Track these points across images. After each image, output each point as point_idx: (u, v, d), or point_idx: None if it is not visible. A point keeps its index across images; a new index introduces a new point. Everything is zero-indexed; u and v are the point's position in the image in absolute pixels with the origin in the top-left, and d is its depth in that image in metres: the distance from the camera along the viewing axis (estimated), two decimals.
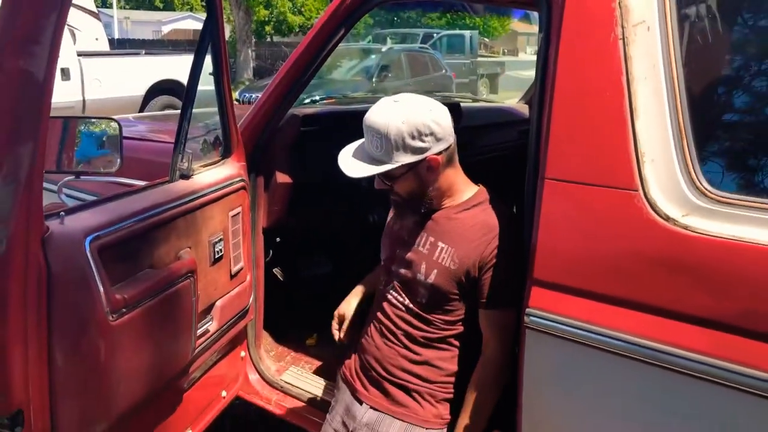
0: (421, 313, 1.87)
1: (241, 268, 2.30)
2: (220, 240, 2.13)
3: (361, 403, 1.95)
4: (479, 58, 19.59)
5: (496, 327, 1.81)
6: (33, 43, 1.31)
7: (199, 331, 2.03)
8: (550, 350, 1.66)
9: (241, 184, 2.27)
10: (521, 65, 21.47)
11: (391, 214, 2.02)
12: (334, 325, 2.11)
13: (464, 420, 1.83)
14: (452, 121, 2.78)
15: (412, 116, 1.69)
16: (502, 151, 3.43)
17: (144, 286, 1.68)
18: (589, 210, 1.59)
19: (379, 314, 1.96)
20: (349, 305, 2.12)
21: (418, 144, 1.70)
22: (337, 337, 2.09)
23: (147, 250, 1.76)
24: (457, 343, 1.89)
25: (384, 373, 1.92)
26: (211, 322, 2.13)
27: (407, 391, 1.90)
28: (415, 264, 1.85)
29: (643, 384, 1.53)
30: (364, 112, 1.78)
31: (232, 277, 2.24)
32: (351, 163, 1.75)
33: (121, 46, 19.97)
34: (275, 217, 2.50)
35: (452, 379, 1.91)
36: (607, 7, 1.57)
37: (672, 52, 1.52)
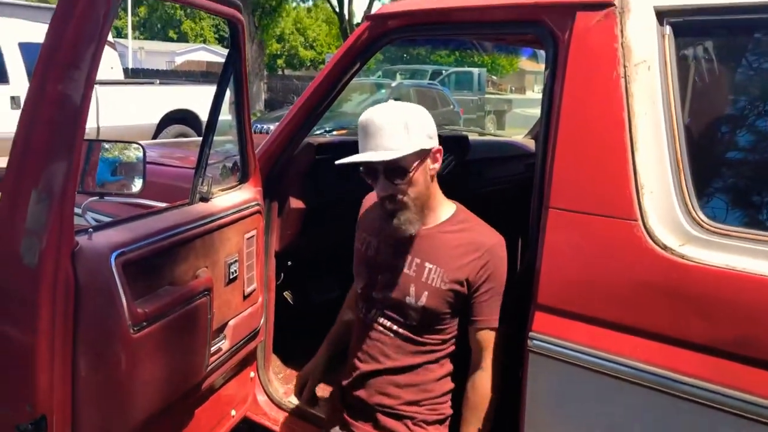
0: (412, 336, 1.86)
1: (254, 290, 2.37)
2: (235, 261, 2.21)
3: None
4: (487, 95, 19.82)
5: (488, 346, 1.82)
6: (73, 69, 1.41)
7: (213, 349, 2.09)
8: (553, 374, 1.72)
9: (257, 208, 2.36)
10: (528, 103, 21.69)
11: (358, 241, 2.01)
12: (295, 389, 2.17)
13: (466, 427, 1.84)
14: (460, 153, 2.88)
15: (417, 109, 1.77)
16: (508, 183, 3.51)
17: (164, 302, 1.76)
18: (590, 238, 1.66)
19: (363, 344, 1.93)
20: (313, 366, 2.18)
21: (429, 131, 1.75)
22: (298, 401, 2.13)
23: (168, 268, 1.84)
24: (448, 362, 1.89)
25: (372, 403, 1.90)
26: (223, 341, 2.19)
27: (398, 417, 1.88)
28: (402, 287, 1.83)
29: (643, 408, 1.59)
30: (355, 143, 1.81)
31: (245, 297, 2.31)
32: (370, 155, 1.70)
33: (136, 75, 20.33)
34: (288, 241, 2.57)
35: (444, 399, 1.92)
36: (610, 47, 1.67)
37: (671, 90, 1.61)
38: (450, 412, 1.94)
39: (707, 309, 1.49)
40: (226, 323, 2.21)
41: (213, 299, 2.00)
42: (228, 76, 2.11)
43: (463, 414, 1.87)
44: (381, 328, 1.90)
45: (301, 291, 2.97)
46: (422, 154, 1.74)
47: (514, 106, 20.50)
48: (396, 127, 1.69)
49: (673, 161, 1.58)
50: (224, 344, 2.19)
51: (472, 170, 3.14)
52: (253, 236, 2.34)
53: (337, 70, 2.29)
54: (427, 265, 1.82)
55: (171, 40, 50.73)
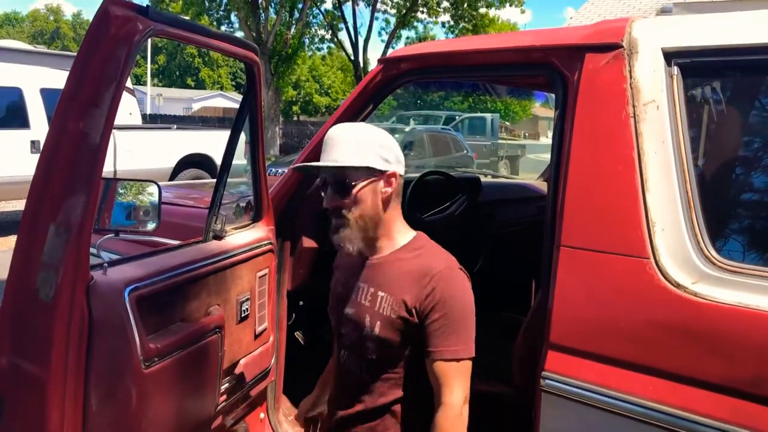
0: (374, 371, 1.77)
1: (265, 329, 2.38)
2: (247, 299, 2.22)
3: None
4: (500, 141, 19.95)
5: (445, 380, 1.67)
6: (94, 107, 1.45)
7: (223, 388, 2.09)
8: (566, 413, 1.70)
9: (270, 246, 2.37)
10: (541, 148, 21.81)
11: (332, 281, 1.97)
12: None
13: None
14: (473, 194, 2.88)
15: (380, 131, 1.76)
16: (521, 225, 3.52)
17: (176, 338, 1.76)
18: (602, 276, 1.66)
19: (338, 387, 1.91)
20: (305, 406, 2.17)
21: (385, 154, 1.71)
22: None
23: (180, 304, 1.85)
24: (415, 399, 1.77)
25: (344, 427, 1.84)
26: (234, 380, 2.19)
27: None
28: (359, 319, 1.77)
29: None
30: None
31: (256, 336, 2.31)
32: (315, 163, 1.76)
33: (153, 121, 20.69)
34: (300, 281, 2.58)
35: None
36: (619, 87, 1.69)
37: (680, 129, 1.63)
38: None
39: (721, 347, 1.48)
40: (237, 362, 2.21)
41: (224, 337, 2.01)
42: (244, 116, 2.15)
43: None
44: (351, 369, 1.84)
45: (312, 331, 2.97)
46: (371, 173, 1.70)
47: (527, 151, 20.60)
48: (347, 142, 1.69)
49: (684, 199, 1.59)
50: (235, 383, 2.19)
51: (484, 211, 3.15)
52: (265, 275, 2.35)
53: (351, 111, 2.33)
54: (380, 293, 1.75)
55: (189, 87, 51.76)
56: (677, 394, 1.52)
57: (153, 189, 2.19)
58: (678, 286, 1.54)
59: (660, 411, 1.54)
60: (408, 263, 1.74)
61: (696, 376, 1.51)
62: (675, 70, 1.66)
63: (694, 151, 1.64)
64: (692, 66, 1.66)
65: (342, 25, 23.01)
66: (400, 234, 1.80)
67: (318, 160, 1.75)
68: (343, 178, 1.70)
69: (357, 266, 1.82)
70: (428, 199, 2.93)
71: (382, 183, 1.72)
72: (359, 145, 1.69)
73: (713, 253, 1.55)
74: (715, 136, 1.74)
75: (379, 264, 1.79)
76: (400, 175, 1.77)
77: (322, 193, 1.78)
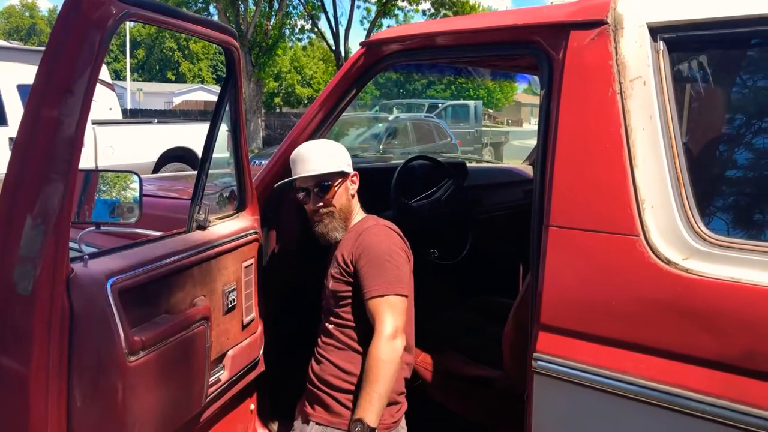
0: (333, 319, 2.13)
1: (253, 319, 2.34)
2: (233, 290, 2.18)
3: (309, 422, 2.12)
4: (484, 128, 19.94)
5: (377, 314, 1.96)
6: (68, 94, 1.41)
7: (211, 380, 2.05)
8: (558, 394, 1.69)
9: (255, 236, 2.34)
10: (525, 135, 21.83)
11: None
12: None
13: (363, 393, 1.91)
14: (459, 179, 2.92)
15: (337, 144, 2.24)
16: (508, 208, 3.51)
17: (161, 330, 1.73)
18: (592, 255, 1.64)
19: (315, 347, 2.21)
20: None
21: (347, 160, 2.19)
22: None
23: (164, 296, 1.81)
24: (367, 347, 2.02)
25: (324, 388, 2.10)
26: (222, 372, 2.16)
27: (340, 402, 2.07)
28: (326, 284, 2.17)
29: (651, 426, 1.55)
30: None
31: (243, 327, 2.28)
32: (305, 174, 2.11)
33: (134, 116, 20.46)
34: (286, 270, 2.55)
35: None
36: (605, 64, 1.67)
37: (667, 104, 1.61)
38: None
39: (712, 323, 1.47)
40: (225, 353, 2.18)
41: (211, 328, 1.97)
42: (224, 103, 2.11)
43: (360, 380, 1.97)
44: (322, 328, 2.19)
45: (301, 321, 2.93)
46: (343, 176, 2.16)
47: (511, 137, 20.60)
48: (322, 154, 2.13)
49: (672, 175, 1.57)
50: (223, 375, 2.16)
51: (471, 196, 3.13)
52: (251, 264, 2.32)
53: (334, 97, 2.30)
54: (335, 260, 2.14)
55: (169, 81, 51.29)
56: (670, 371, 1.51)
57: (134, 180, 2.15)
58: (669, 262, 1.53)
59: (653, 389, 1.53)
60: (353, 232, 2.16)
61: (689, 352, 1.50)
62: (661, 45, 1.64)
63: (681, 126, 1.62)
64: (678, 41, 1.63)
65: (322, 15, 22.86)
66: (358, 215, 2.24)
67: (289, 176, 2.18)
68: (325, 182, 2.12)
69: (332, 249, 2.21)
70: (415, 185, 2.90)
71: (349, 182, 2.19)
72: (330, 156, 2.14)
73: (703, 228, 1.54)
74: (702, 110, 1.72)
75: (341, 240, 2.18)
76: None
77: (301, 197, 2.16)
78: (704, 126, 1.73)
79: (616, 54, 1.67)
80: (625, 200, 1.60)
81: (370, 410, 1.88)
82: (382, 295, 1.97)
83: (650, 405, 1.54)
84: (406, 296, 2.03)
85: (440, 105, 17.91)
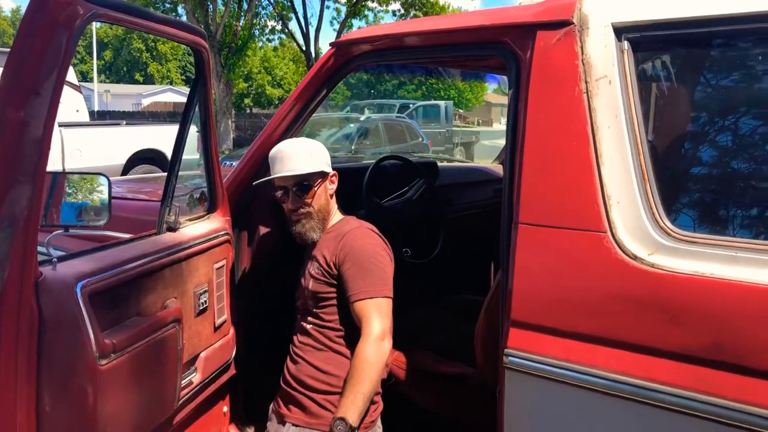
0: (312, 319, 2.13)
1: (225, 321, 2.33)
2: (205, 291, 2.17)
3: (284, 423, 2.12)
4: (455, 128, 20.05)
5: (363, 316, 1.97)
6: (34, 95, 1.39)
7: (183, 382, 2.04)
8: (529, 389, 1.71)
9: (226, 237, 2.33)
10: (495, 135, 21.96)
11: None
12: None
13: (347, 392, 1.91)
14: (430, 178, 2.94)
15: (317, 143, 2.23)
16: (479, 207, 3.54)
17: (132, 333, 1.71)
18: (560, 252, 1.67)
19: (290, 346, 2.20)
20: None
21: (327, 160, 2.19)
22: None
23: (135, 298, 1.80)
24: (347, 348, 2.07)
25: (300, 389, 2.10)
26: (195, 374, 2.14)
27: (318, 403, 2.07)
28: (303, 284, 2.17)
29: (621, 419, 1.58)
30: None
31: (216, 329, 2.27)
32: (285, 173, 2.10)
33: (101, 118, 20.16)
34: (258, 271, 2.54)
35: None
36: (571, 64, 1.70)
37: (632, 103, 1.64)
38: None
39: (679, 316, 1.50)
40: (197, 355, 2.17)
41: (183, 330, 1.96)
42: (194, 103, 2.10)
43: (345, 380, 1.96)
44: (298, 328, 2.19)
45: (272, 323, 2.93)
46: (323, 176, 2.16)
47: (481, 137, 20.74)
48: (302, 153, 2.12)
49: (638, 172, 1.60)
50: (195, 377, 2.15)
51: (442, 195, 3.15)
52: (222, 266, 2.31)
53: (305, 97, 2.30)
54: (314, 259, 2.14)
55: (137, 82, 50.66)
56: (639, 364, 1.54)
57: (102, 182, 2.13)
58: (635, 258, 1.56)
59: (623, 382, 1.55)
60: (331, 232, 2.17)
61: (657, 345, 1.53)
62: (625, 44, 1.67)
63: (646, 124, 1.65)
64: (642, 40, 1.67)
65: (292, 16, 22.78)
66: (336, 216, 2.24)
67: (266, 173, 2.20)
68: (305, 182, 2.12)
69: (310, 249, 2.21)
70: (387, 184, 2.91)
71: (328, 183, 2.19)
72: (310, 154, 2.13)
73: (668, 224, 1.57)
74: (666, 108, 1.76)
75: (319, 241, 2.18)
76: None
77: (279, 195, 2.16)
78: (668, 124, 1.77)
79: (582, 54, 1.70)
80: (592, 197, 1.63)
81: (353, 410, 1.88)
82: (370, 298, 1.99)
83: (620, 398, 1.57)
84: (391, 298, 2.04)
85: (411, 105, 17.97)
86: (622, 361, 1.56)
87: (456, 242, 3.13)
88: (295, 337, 2.19)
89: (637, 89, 1.65)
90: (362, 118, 13.84)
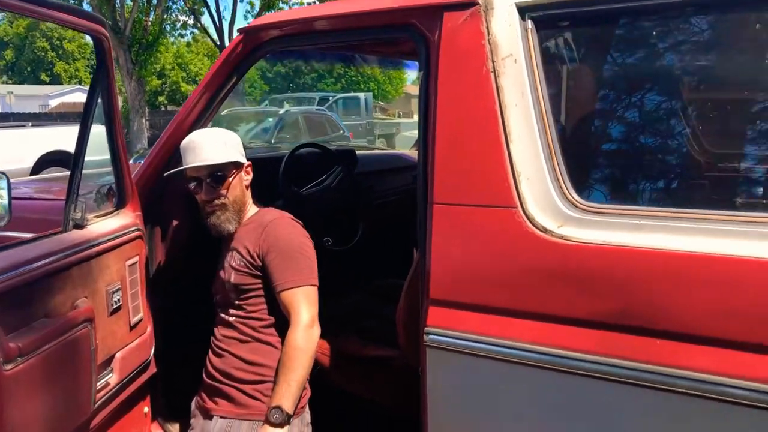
0: (234, 311, 2.11)
1: (141, 320, 2.26)
2: (118, 290, 2.10)
3: (212, 417, 2.08)
4: (375, 120, 20.12)
5: (291, 305, 1.97)
6: None
7: (99, 384, 1.97)
8: (450, 366, 1.73)
9: (138, 233, 2.25)
10: (416, 126, 22.13)
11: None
12: None
13: (280, 381, 1.92)
14: (349, 165, 2.93)
15: (230, 132, 2.19)
16: (398, 193, 3.56)
17: (40, 335, 1.64)
18: (475, 229, 1.70)
19: (211, 340, 2.17)
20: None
21: (241, 150, 2.16)
22: None
23: (42, 299, 1.72)
24: (274, 337, 2.08)
25: (227, 381, 2.07)
26: (111, 375, 2.07)
27: (246, 393, 2.05)
28: (223, 277, 2.13)
29: (538, 387, 1.63)
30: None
31: (131, 328, 2.19)
32: (198, 163, 2.05)
33: (4, 120, 19.16)
34: (174, 266, 2.47)
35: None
36: (477, 44, 1.72)
37: (537, 81, 1.68)
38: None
39: (588, 285, 1.55)
40: (113, 356, 2.09)
41: (96, 330, 1.89)
42: (96, 94, 2.01)
43: (277, 369, 1.97)
44: (219, 322, 2.16)
45: (191, 318, 2.86)
46: (237, 166, 2.12)
47: (402, 129, 20.89)
48: (216, 143, 2.08)
49: (545, 148, 1.65)
50: (112, 378, 2.08)
51: (362, 183, 3.15)
52: (135, 263, 2.23)
53: (214, 84, 2.25)
54: (234, 251, 2.11)
55: (43, 82, 48.39)
56: (553, 334, 1.59)
57: (2, 184, 2.02)
58: (545, 231, 1.60)
59: (538, 352, 1.60)
60: (252, 225, 2.13)
61: (569, 314, 1.58)
62: (529, 23, 1.71)
63: (552, 101, 1.69)
64: (545, 18, 1.71)
65: (204, 10, 22.25)
66: (253, 207, 2.21)
67: (177, 165, 2.14)
68: (218, 173, 2.08)
69: (227, 241, 2.16)
70: (304, 173, 2.89)
71: (243, 173, 2.15)
72: (224, 144, 2.10)
73: (575, 196, 1.62)
74: (572, 85, 1.81)
75: (238, 233, 2.15)
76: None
77: (192, 186, 2.11)
78: (573, 100, 1.82)
79: (488, 33, 1.72)
80: (502, 174, 1.66)
81: (288, 397, 1.90)
82: (297, 286, 1.99)
83: (536, 368, 1.61)
84: (317, 286, 2.05)
85: (331, 98, 17.93)
86: (536, 331, 1.61)
87: (379, 228, 3.14)
88: (216, 330, 2.16)
89: (542, 67, 1.69)
90: (281, 111, 13.70)
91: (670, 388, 1.46)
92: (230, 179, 2.09)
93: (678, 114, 1.71)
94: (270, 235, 2.05)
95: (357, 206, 3.00)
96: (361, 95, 18.40)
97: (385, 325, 2.55)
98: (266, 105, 16.46)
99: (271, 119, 12.19)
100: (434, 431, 1.77)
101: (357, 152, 3.57)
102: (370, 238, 3.00)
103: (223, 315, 2.15)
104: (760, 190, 1.63)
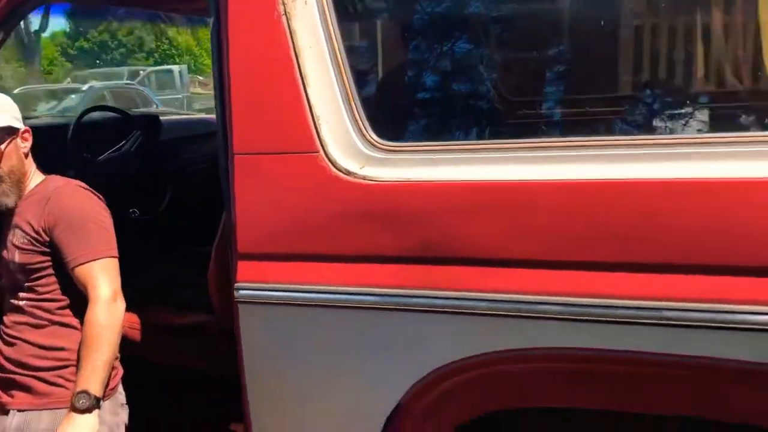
0: (24, 294, 1.93)
1: None
2: None
3: (8, 412, 1.92)
4: (194, 95, 19.36)
5: (88, 281, 1.84)
6: None
7: None
8: (263, 319, 1.70)
9: None
10: None
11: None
12: None
13: (84, 363, 1.81)
14: (151, 131, 2.78)
15: (6, 97, 2.00)
16: (208, 159, 3.43)
17: None
18: (278, 177, 1.66)
19: (1, 329, 1.99)
20: None
21: (16, 114, 1.96)
22: None
23: None
24: (73, 318, 1.93)
25: (22, 371, 1.91)
26: None
27: (47, 381, 1.90)
28: (7, 257, 1.95)
29: (353, 328, 1.63)
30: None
31: None
32: None
33: None
34: None
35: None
36: None
37: (330, 22, 1.65)
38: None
39: (393, 223, 1.57)
40: None
41: None
42: None
43: (79, 351, 1.84)
44: (8, 307, 1.98)
45: None
46: (11, 132, 1.91)
47: None
48: None
49: (342, 90, 1.63)
50: None
51: (168, 149, 2.99)
52: None
53: None
54: (16, 227, 1.93)
55: None
56: (363, 273, 1.59)
57: None
58: (348, 173, 1.59)
59: (349, 293, 1.60)
60: (35, 197, 1.94)
61: (377, 253, 1.59)
62: None
63: (346, 42, 1.67)
64: None
65: None
66: (36, 178, 2.01)
67: None
68: None
69: (8, 217, 1.98)
70: (101, 140, 2.68)
71: (20, 140, 1.95)
72: None
73: (375, 137, 1.62)
74: (365, 25, 1.81)
75: (19, 207, 1.96)
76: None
77: None
78: (368, 41, 1.82)
79: None
80: (301, 119, 1.62)
81: (94, 379, 1.78)
82: (93, 260, 1.85)
83: (350, 308, 1.61)
84: (117, 257, 1.91)
85: (142, 72, 16.93)
86: (346, 273, 1.60)
87: (191, 195, 3.01)
88: (5, 318, 1.97)
89: (333, 8, 1.66)
90: (85, 87, 12.72)
91: (476, 311, 1.52)
92: (3, 147, 1.89)
93: (467, 51, 1.77)
94: (56, 206, 1.88)
95: (162, 172, 2.84)
96: (175, 68, 17.55)
97: (199, 293, 2.45)
98: (68, 82, 15.20)
99: (74, 96, 11.29)
100: (252, 388, 1.73)
101: (163, 118, 3.40)
102: (182, 206, 2.86)
103: (11, 300, 1.97)
104: (543, 118, 1.73)
